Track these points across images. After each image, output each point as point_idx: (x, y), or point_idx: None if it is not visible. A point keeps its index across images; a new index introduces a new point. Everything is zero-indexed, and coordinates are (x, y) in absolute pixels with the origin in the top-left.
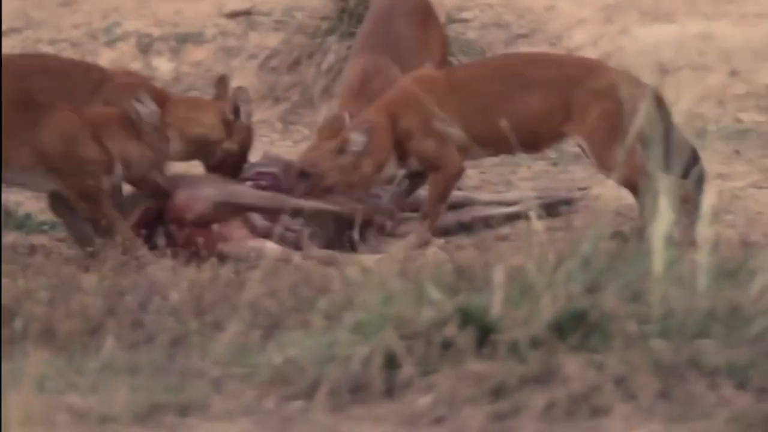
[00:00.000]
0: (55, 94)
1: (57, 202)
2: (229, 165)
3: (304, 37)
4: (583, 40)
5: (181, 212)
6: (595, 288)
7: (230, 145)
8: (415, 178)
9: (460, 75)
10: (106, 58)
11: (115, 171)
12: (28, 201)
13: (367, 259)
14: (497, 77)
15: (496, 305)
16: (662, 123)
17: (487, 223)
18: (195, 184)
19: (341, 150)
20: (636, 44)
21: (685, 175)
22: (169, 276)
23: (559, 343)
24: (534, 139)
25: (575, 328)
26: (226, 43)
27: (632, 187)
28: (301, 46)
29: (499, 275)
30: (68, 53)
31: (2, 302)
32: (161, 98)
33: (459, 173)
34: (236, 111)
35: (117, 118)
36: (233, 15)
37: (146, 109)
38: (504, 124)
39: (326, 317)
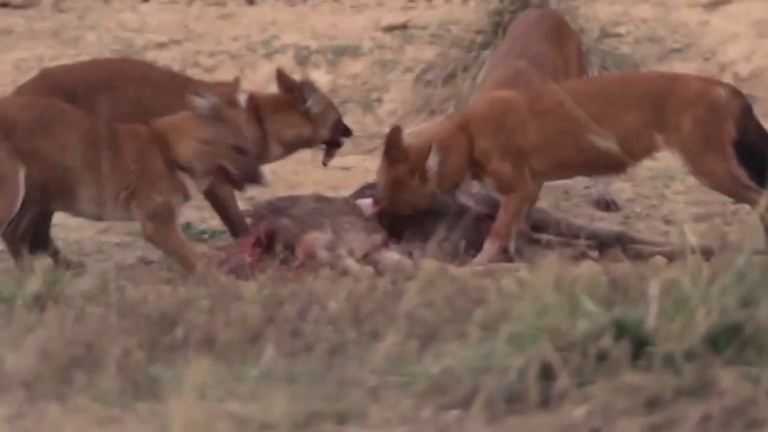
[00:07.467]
0: (141, 101)
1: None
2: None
3: (460, 50)
4: (736, 56)
5: (307, 257)
6: (749, 301)
7: (317, 135)
8: None
9: (545, 98)
10: (264, 71)
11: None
12: (188, 210)
13: (523, 270)
14: (584, 98)
15: (651, 318)
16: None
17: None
18: (312, 225)
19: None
20: None
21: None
22: (327, 286)
23: (714, 356)
24: (627, 156)
25: (730, 341)
26: (382, 56)
27: (727, 192)
28: (456, 59)
29: (654, 288)
30: (227, 65)
31: (164, 310)
32: (255, 101)
33: (532, 197)
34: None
35: (183, 119)
36: (390, 28)
37: (205, 102)
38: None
39: (482, 328)
